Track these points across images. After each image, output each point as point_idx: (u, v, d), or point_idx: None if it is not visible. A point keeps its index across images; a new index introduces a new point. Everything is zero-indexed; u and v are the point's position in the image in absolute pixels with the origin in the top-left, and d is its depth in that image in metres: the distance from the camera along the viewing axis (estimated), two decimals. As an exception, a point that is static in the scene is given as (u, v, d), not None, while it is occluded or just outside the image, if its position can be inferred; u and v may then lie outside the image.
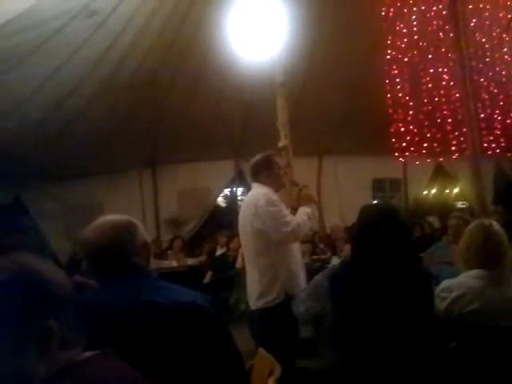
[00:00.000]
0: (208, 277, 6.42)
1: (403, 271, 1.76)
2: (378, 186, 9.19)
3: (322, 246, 7.14)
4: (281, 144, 3.91)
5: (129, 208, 7.10)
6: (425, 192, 9.35)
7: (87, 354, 0.90)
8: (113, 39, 5.71)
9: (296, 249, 2.81)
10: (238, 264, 5.92)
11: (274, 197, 2.71)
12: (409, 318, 1.66)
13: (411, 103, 6.74)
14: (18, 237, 2.43)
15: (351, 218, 5.04)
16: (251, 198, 2.80)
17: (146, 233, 1.48)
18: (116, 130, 6.86)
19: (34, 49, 5.17)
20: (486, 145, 6.27)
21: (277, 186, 2.85)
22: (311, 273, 2.54)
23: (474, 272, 2.01)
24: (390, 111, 6.73)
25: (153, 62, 6.35)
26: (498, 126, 6.87)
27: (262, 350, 1.66)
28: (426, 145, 6.74)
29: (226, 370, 1.26)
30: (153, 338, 1.16)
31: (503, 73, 6.75)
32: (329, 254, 6.59)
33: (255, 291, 2.67)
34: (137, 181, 8.32)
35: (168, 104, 6.96)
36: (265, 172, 2.83)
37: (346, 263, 1.84)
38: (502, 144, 6.86)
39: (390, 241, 1.77)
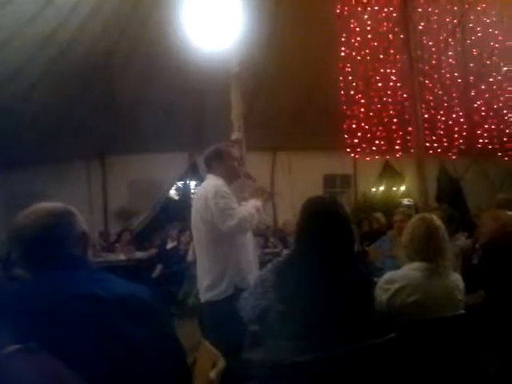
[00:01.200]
0: (158, 271, 6.30)
1: (344, 263, 1.79)
2: (329, 181, 9.37)
3: (273, 239, 7.20)
4: (234, 137, 3.89)
5: (76, 198, 6.80)
6: (373, 189, 9.64)
7: (10, 348, 0.84)
8: (63, 18, 5.43)
9: (248, 242, 2.80)
10: (189, 258, 5.85)
11: (225, 188, 2.67)
12: (350, 309, 1.69)
13: (363, 101, 6.92)
14: None
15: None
16: (202, 191, 2.77)
17: (86, 222, 1.40)
18: (63, 118, 6.55)
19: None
20: (428, 144, 6.54)
21: (230, 177, 2.82)
22: (263, 266, 2.54)
23: (416, 264, 2.09)
24: (344, 108, 6.87)
25: (103, 46, 6.10)
26: (442, 127, 7.19)
27: (205, 343, 1.63)
28: (376, 142, 6.95)
29: (166, 363, 1.22)
30: (88, 332, 1.10)
31: (447, 76, 7.07)
32: (280, 247, 6.66)
33: (204, 283, 2.65)
34: (85, 170, 8.03)
35: (119, 92, 6.73)
36: (216, 163, 2.80)
37: (290, 256, 1.85)
38: (445, 144, 7.19)
39: (331, 233, 1.80)
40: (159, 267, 6.32)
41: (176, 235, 6.82)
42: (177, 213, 8.80)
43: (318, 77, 7.03)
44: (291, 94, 7.34)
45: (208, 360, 1.46)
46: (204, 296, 2.65)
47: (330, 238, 1.79)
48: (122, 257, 6.40)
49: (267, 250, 6.41)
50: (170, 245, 6.88)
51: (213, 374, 1.33)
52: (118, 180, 8.12)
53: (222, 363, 1.40)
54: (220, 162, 2.81)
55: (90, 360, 1.04)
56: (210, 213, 2.57)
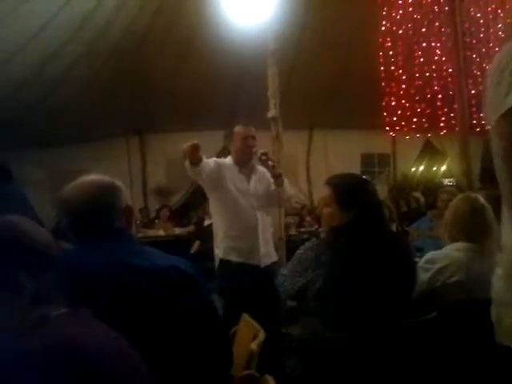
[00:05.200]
0: (196, 246, 6.43)
1: (388, 240, 1.77)
2: (367, 160, 9.20)
3: (309, 218, 7.19)
4: (270, 114, 3.86)
5: (116, 176, 6.92)
6: (413, 168, 9.39)
7: (63, 310, 0.89)
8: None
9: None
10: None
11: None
12: (392, 287, 1.67)
13: (404, 77, 6.69)
14: (2, 203, 2.38)
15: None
16: None
17: (129, 198, 1.44)
18: (102, 97, 6.70)
19: (14, 7, 4.96)
20: (475, 122, 6.27)
21: (238, 158, 2.89)
22: (298, 244, 2.57)
23: (459, 244, 2.03)
24: (383, 84, 6.67)
25: (140, 26, 6.15)
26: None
27: (245, 316, 1.66)
28: (415, 120, 6.73)
29: (208, 332, 1.26)
30: (133, 300, 1.15)
31: (496, 49, 6.70)
32: (316, 226, 6.65)
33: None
34: (124, 149, 8.22)
35: (156, 71, 6.80)
36: (229, 144, 2.93)
37: (335, 232, 1.82)
38: (492, 122, 6.86)
39: (377, 210, 1.78)
40: (197, 243, 6.45)
41: (213, 212, 6.90)
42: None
43: (355, 53, 6.83)
44: (327, 71, 7.19)
45: (249, 332, 1.49)
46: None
47: (378, 214, 1.77)
48: (161, 233, 6.57)
49: (303, 229, 6.41)
50: (207, 222, 6.99)
51: (254, 346, 1.37)
52: (156, 158, 8.28)
53: (262, 335, 1.43)
54: (231, 143, 2.91)
55: (133, 329, 1.08)
56: None
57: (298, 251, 1.82)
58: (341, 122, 7.99)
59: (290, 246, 3.45)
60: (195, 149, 2.54)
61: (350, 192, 1.84)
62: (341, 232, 1.74)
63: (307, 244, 1.83)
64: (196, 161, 2.59)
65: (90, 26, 5.76)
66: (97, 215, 1.28)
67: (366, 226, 1.74)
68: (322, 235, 1.87)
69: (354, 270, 1.63)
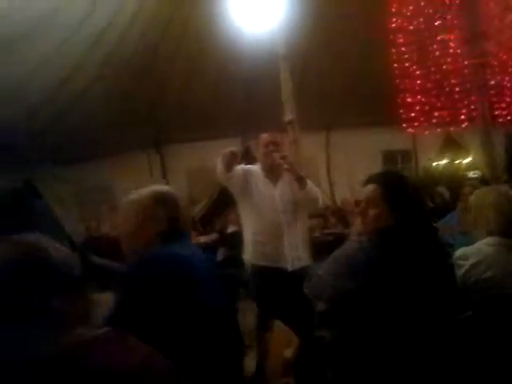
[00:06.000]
0: (221, 254, 6.46)
1: (429, 238, 1.70)
2: (389, 158, 9.10)
3: (333, 220, 7.13)
4: (287, 118, 3.87)
5: (139, 188, 7.09)
6: (435, 163, 9.24)
7: (98, 331, 0.90)
8: (110, 19, 5.63)
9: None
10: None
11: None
12: (433, 287, 1.60)
13: (418, 72, 6.61)
14: (32, 219, 2.45)
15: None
16: None
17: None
18: (119, 111, 6.81)
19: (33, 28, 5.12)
20: (496, 112, 6.15)
21: (263, 164, 2.99)
22: (323, 247, 2.57)
23: (490, 239, 1.99)
24: (397, 81, 6.60)
25: (151, 40, 6.26)
26: (509, 93, 6.72)
27: (278, 322, 1.67)
28: (436, 114, 6.63)
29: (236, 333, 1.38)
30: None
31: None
32: (341, 227, 6.59)
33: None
34: (145, 161, 8.32)
35: (169, 82, 6.89)
36: (255, 149, 3.07)
37: (383, 234, 1.65)
38: (514, 111, 6.73)
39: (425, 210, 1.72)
40: (222, 251, 6.48)
41: (236, 219, 6.93)
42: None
43: (367, 51, 6.79)
44: (341, 71, 7.16)
45: (282, 339, 1.50)
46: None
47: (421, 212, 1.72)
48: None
49: (327, 231, 6.36)
50: (230, 228, 7.01)
51: (288, 353, 1.37)
52: (176, 168, 8.36)
53: (296, 343, 1.43)
54: (257, 151, 3.06)
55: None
56: None
57: (340, 252, 1.68)
58: (358, 121, 7.93)
59: (315, 248, 3.43)
60: (234, 155, 2.68)
61: (401, 191, 1.69)
62: (390, 234, 1.62)
63: (351, 245, 1.69)
64: (231, 167, 2.70)
65: (104, 44, 5.89)
66: (181, 223, 1.61)
67: (417, 227, 1.65)
68: (364, 237, 1.67)
69: (408, 274, 1.55)
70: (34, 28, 5.09)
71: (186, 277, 1.30)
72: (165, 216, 1.51)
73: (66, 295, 0.91)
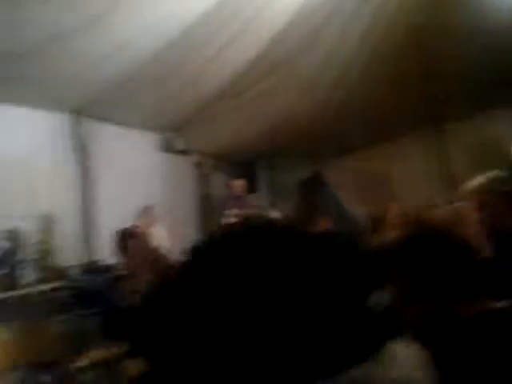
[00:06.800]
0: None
1: None
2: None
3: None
4: None
5: (415, 175, 7.14)
6: None
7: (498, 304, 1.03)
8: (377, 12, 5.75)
9: None
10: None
11: None
12: None
13: None
14: (322, 203, 2.93)
15: None
16: None
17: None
18: (397, 93, 6.78)
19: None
20: None
21: None
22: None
23: None
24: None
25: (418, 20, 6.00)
26: None
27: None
28: None
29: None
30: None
31: None
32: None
33: None
34: (419, 143, 8.05)
35: (437, 60, 6.47)
36: None
37: None
38: None
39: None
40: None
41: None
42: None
43: None
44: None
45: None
46: None
47: None
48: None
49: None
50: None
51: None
52: (459, 148, 7.81)
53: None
54: None
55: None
56: None
57: None
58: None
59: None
60: None
61: None
62: None
63: None
64: None
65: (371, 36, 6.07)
66: None
67: None
68: None
69: None
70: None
71: None
72: None
73: None
